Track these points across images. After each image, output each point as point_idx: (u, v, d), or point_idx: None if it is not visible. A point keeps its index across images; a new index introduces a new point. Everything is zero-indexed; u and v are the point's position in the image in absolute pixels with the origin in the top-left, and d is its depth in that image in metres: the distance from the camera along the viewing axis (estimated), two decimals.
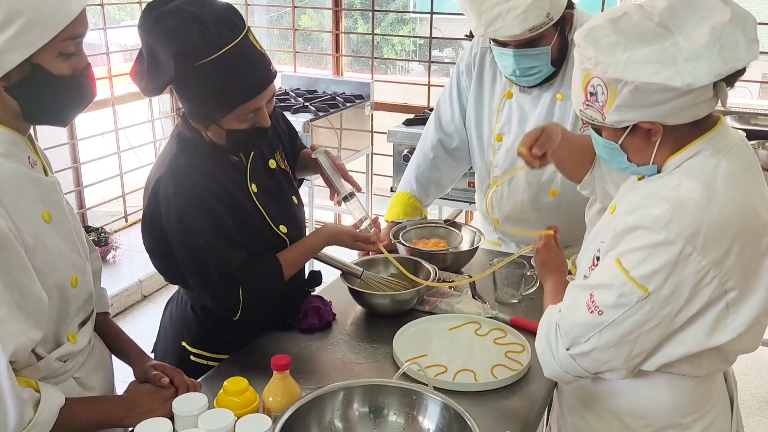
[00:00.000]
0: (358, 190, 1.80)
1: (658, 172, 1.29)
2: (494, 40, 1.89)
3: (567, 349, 1.29)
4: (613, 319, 1.22)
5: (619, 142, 1.25)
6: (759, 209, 1.21)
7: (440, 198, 3.22)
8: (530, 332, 1.70)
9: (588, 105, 1.23)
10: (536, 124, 1.99)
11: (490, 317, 1.79)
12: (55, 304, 1.24)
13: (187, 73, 1.40)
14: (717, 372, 1.38)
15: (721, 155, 1.21)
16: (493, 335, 1.71)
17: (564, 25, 1.87)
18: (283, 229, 1.64)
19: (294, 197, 1.76)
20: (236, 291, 1.52)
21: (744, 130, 3.21)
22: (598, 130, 1.29)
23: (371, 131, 4.47)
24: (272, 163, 1.70)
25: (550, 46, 1.85)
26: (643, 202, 1.25)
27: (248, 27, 1.46)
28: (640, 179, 1.34)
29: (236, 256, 1.53)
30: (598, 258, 1.33)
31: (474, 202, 2.76)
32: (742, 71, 1.16)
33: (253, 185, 1.61)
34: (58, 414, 1.18)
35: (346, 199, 1.77)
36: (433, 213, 4.17)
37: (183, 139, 1.56)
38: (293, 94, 4.30)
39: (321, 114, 3.90)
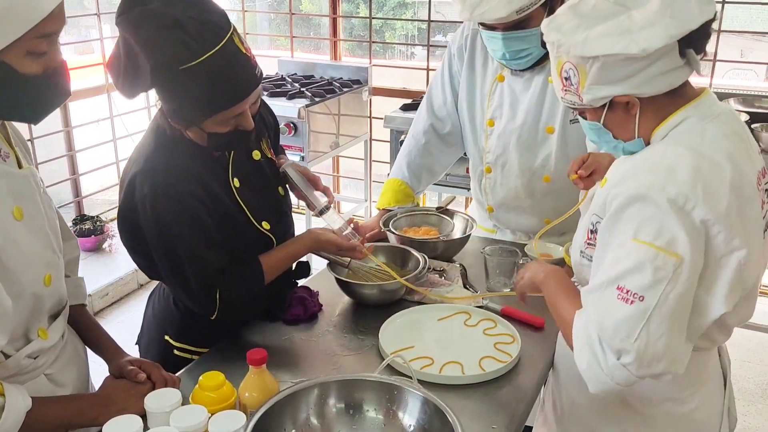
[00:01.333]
0: (331, 201, 1.73)
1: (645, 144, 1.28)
2: (482, 24, 1.83)
3: (618, 359, 1.15)
4: (657, 299, 1.12)
5: (601, 120, 1.27)
6: (747, 172, 1.20)
7: (437, 184, 3.17)
8: (521, 322, 1.67)
9: (566, 90, 1.27)
10: (528, 108, 1.95)
11: (480, 307, 1.74)
12: (27, 305, 1.20)
13: (166, 78, 1.34)
14: (717, 344, 1.38)
15: (707, 121, 1.22)
16: (483, 326, 1.66)
17: (554, 4, 1.80)
18: (266, 225, 1.59)
19: (280, 188, 1.70)
20: (213, 294, 1.48)
21: (747, 112, 3.16)
22: (582, 113, 1.30)
23: (369, 117, 4.40)
24: (256, 155, 1.64)
25: (539, 27, 1.78)
26: (630, 171, 1.23)
27: (233, 28, 1.39)
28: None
29: (215, 260, 1.48)
30: (592, 231, 1.30)
31: (461, 187, 2.71)
32: (706, 34, 1.19)
33: (236, 180, 1.55)
34: (24, 418, 1.13)
35: (322, 212, 1.71)
36: (432, 200, 4.12)
37: (161, 135, 1.50)
38: (290, 80, 4.24)
39: (317, 99, 3.84)
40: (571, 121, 1.92)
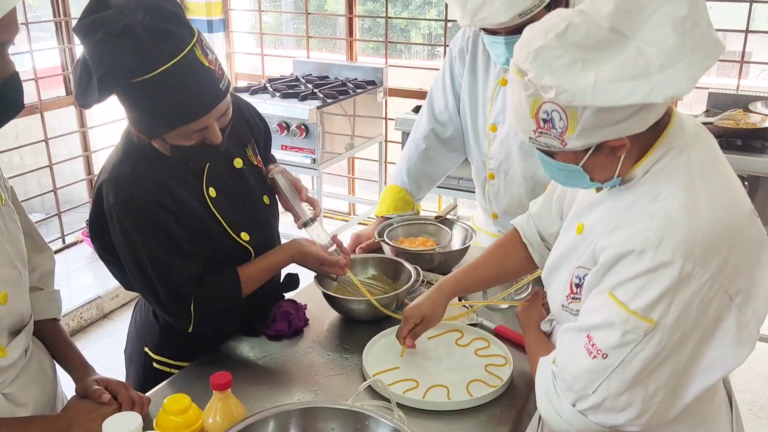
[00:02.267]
0: (317, 214, 1.65)
1: (622, 181, 1.15)
2: (483, 29, 1.74)
3: (573, 405, 1.13)
4: (621, 360, 1.07)
5: (581, 164, 1.11)
6: (741, 198, 1.13)
7: (440, 187, 3.11)
8: (514, 344, 1.58)
9: (542, 132, 1.08)
10: None
11: (474, 324, 1.65)
12: None
13: (118, 90, 1.27)
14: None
15: (688, 148, 1.11)
16: (474, 345, 1.57)
17: (557, 5, 1.70)
18: (244, 236, 1.52)
19: (266, 197, 1.62)
20: (186, 306, 1.42)
21: None
22: (551, 154, 1.14)
23: (385, 118, 4.33)
24: (238, 162, 1.56)
25: None
26: (621, 219, 1.12)
27: (197, 37, 1.30)
28: (598, 190, 1.21)
29: (185, 270, 1.42)
30: (577, 285, 1.21)
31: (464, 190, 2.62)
32: None
33: (211, 190, 1.48)
34: None
35: (306, 224, 1.62)
36: (432, 204, 4.02)
37: (129, 142, 1.43)
38: (303, 81, 4.18)
39: (329, 101, 3.77)
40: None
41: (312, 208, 1.64)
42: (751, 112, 3.08)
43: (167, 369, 1.59)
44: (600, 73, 0.99)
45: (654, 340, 1.05)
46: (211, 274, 1.46)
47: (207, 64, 1.29)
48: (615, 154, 1.10)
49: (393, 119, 4.21)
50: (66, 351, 1.39)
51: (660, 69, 0.99)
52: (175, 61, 1.24)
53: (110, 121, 4.31)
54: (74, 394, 1.32)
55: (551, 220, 1.48)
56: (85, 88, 1.26)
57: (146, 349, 1.61)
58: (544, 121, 1.06)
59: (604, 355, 1.09)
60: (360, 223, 4.49)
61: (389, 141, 4.36)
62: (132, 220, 1.37)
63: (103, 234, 1.44)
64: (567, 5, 1.73)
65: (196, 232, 1.44)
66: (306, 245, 1.58)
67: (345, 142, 4.03)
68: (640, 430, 1.14)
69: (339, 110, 3.87)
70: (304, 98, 3.79)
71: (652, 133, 1.10)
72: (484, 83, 1.96)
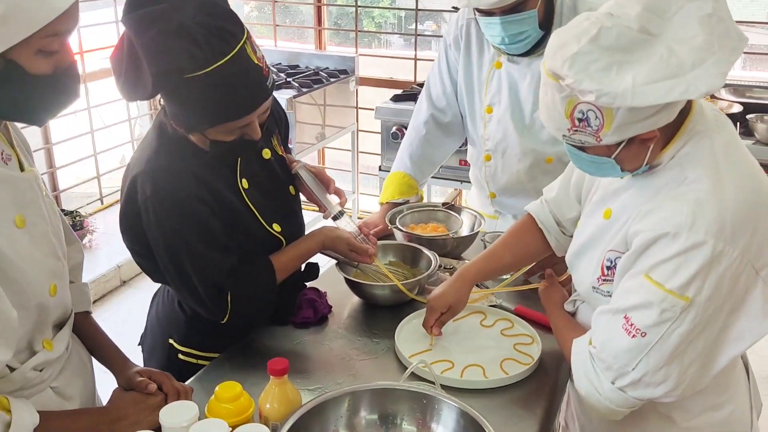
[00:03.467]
0: (344, 203, 1.66)
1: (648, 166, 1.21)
2: (478, 10, 1.79)
3: (613, 383, 1.20)
4: (660, 337, 1.14)
5: (614, 156, 1.16)
6: (762, 178, 1.19)
7: (443, 178, 3.17)
8: (535, 323, 1.62)
9: (577, 130, 1.13)
10: (528, 94, 1.93)
11: (494, 305, 1.70)
12: (32, 316, 1.12)
13: (169, 85, 1.25)
14: None
15: (710, 133, 1.17)
16: (499, 326, 1.61)
17: None
18: (276, 227, 1.52)
19: (291, 187, 1.62)
20: (223, 298, 1.41)
21: (740, 103, 3.15)
22: (582, 149, 1.19)
23: (356, 107, 4.33)
24: (266, 153, 1.56)
25: (536, 8, 1.76)
26: (651, 204, 1.18)
27: (247, 35, 1.29)
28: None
29: (223, 263, 1.41)
30: (608, 268, 1.26)
31: (466, 181, 2.67)
32: None
33: (244, 181, 1.48)
34: None
35: (336, 217, 1.64)
36: (435, 198, 4.06)
37: (164, 134, 1.41)
38: (275, 70, 4.15)
39: (304, 90, 3.76)
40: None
41: (338, 199, 1.65)
42: (717, 98, 3.22)
43: (194, 360, 1.58)
44: (637, 74, 1.04)
45: (690, 316, 1.12)
46: (246, 265, 1.45)
47: (256, 62, 1.29)
48: (645, 145, 1.15)
49: (365, 109, 4.23)
50: (102, 344, 1.36)
51: (692, 66, 1.04)
52: (227, 58, 1.23)
53: (74, 137, 4.19)
54: (116, 387, 1.30)
55: (569, 205, 1.53)
56: (134, 82, 1.24)
57: (171, 341, 1.59)
58: (580, 120, 1.11)
59: (643, 334, 1.15)
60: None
61: (361, 130, 4.36)
62: (170, 214, 1.35)
63: (133, 228, 1.42)
64: None
65: (231, 225, 1.43)
66: (336, 231, 1.59)
67: (316, 132, 4.02)
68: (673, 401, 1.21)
69: (309, 100, 3.86)
70: (278, 87, 3.76)
71: (677, 120, 1.15)
72: (478, 68, 2.02)
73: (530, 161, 1.99)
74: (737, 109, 3.08)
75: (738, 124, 2.97)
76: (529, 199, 2.05)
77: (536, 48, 1.87)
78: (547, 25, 1.83)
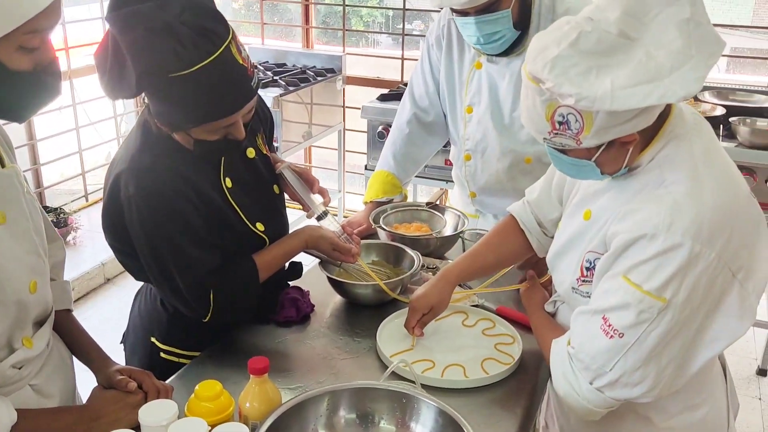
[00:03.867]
0: (327, 203, 1.66)
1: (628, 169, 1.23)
2: (453, 10, 1.81)
3: (591, 383, 1.21)
4: (637, 338, 1.15)
5: (594, 158, 1.17)
6: (739, 180, 1.21)
7: (428, 177, 3.18)
8: (516, 323, 1.63)
9: (557, 133, 1.14)
10: (507, 93, 1.94)
11: (476, 305, 1.71)
12: (11, 314, 1.12)
13: (153, 84, 1.25)
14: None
15: (689, 136, 1.19)
16: (481, 326, 1.62)
17: None
18: (260, 226, 1.52)
19: (275, 186, 1.63)
20: (206, 297, 1.41)
21: (723, 106, 3.18)
22: (563, 151, 1.20)
23: (343, 106, 4.33)
24: (251, 152, 1.56)
25: (509, 8, 1.78)
26: (630, 206, 1.19)
27: (232, 35, 1.28)
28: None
29: (206, 261, 1.41)
30: (587, 269, 1.28)
31: (451, 180, 2.69)
32: None
33: (228, 180, 1.47)
34: None
35: (320, 218, 1.64)
36: (421, 197, 4.07)
37: (148, 132, 1.40)
38: (262, 68, 4.14)
39: (291, 88, 3.75)
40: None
41: (322, 199, 1.66)
42: (701, 101, 3.25)
43: (175, 359, 1.58)
44: (616, 78, 1.05)
45: (667, 317, 1.13)
46: (229, 264, 1.45)
47: (241, 62, 1.29)
48: (625, 148, 1.16)
49: (352, 108, 4.23)
50: (83, 342, 1.36)
51: (670, 71, 1.05)
52: (212, 58, 1.23)
53: (59, 133, 4.16)
54: (95, 385, 1.30)
55: (551, 206, 1.54)
56: (118, 81, 1.24)
57: (153, 339, 1.59)
58: (560, 123, 1.12)
59: (621, 335, 1.16)
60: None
61: (348, 129, 4.37)
62: (153, 212, 1.35)
63: (116, 225, 1.41)
64: None
65: (215, 223, 1.43)
66: (319, 230, 1.59)
67: (302, 131, 4.01)
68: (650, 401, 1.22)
69: (296, 98, 3.85)
70: (265, 86, 3.75)
71: (656, 123, 1.16)
72: (459, 68, 2.03)
73: (509, 161, 2.01)
74: (720, 111, 3.11)
75: (721, 126, 3.00)
76: (509, 198, 2.08)
77: (514, 48, 1.89)
78: (523, 25, 1.85)
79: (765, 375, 3.17)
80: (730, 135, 2.99)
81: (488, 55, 1.93)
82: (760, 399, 3.02)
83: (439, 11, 2.98)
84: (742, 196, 1.20)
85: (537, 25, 1.85)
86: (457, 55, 2.03)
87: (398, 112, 2.21)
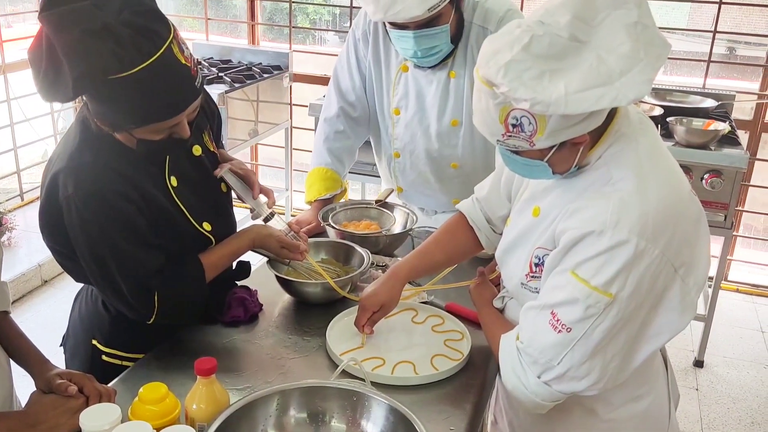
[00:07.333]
0: (272, 204, 1.64)
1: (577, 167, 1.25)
2: (392, 24, 1.80)
3: (539, 377, 1.23)
4: (584, 332, 1.17)
5: (546, 159, 1.19)
6: (682, 178, 1.24)
7: (368, 175, 3.17)
8: (465, 319, 1.65)
9: (511, 136, 1.15)
10: (433, 101, 1.97)
11: (425, 302, 1.71)
12: None
13: (91, 87, 1.20)
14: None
15: (635, 135, 1.21)
16: (430, 322, 1.63)
17: (459, 1, 1.82)
18: (206, 226, 1.48)
19: (223, 184, 1.59)
20: (150, 298, 1.38)
21: (661, 106, 3.28)
22: (517, 152, 1.21)
23: (290, 104, 4.29)
24: (197, 150, 1.52)
25: (448, 23, 1.79)
26: (578, 203, 1.21)
27: (173, 33, 1.24)
28: None
29: (149, 261, 1.37)
30: (536, 264, 1.30)
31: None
32: None
33: (173, 179, 1.44)
34: None
35: (266, 219, 1.62)
36: (369, 195, 4.06)
37: (87, 130, 1.35)
38: (206, 64, 4.06)
39: (237, 85, 3.69)
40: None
41: (267, 199, 1.63)
42: (641, 101, 3.34)
43: (118, 362, 1.53)
44: (569, 82, 1.07)
45: (612, 312, 1.16)
46: (174, 264, 1.42)
47: (183, 61, 1.25)
48: (576, 148, 1.19)
49: (299, 105, 4.19)
50: (21, 345, 1.31)
51: (621, 74, 1.07)
52: (153, 59, 1.19)
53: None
54: (35, 389, 1.25)
55: (499, 204, 1.56)
56: (53, 82, 1.18)
57: (95, 342, 1.54)
58: (514, 126, 1.14)
59: (568, 329, 1.18)
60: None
61: (295, 127, 4.33)
62: (93, 212, 1.30)
63: (54, 225, 1.36)
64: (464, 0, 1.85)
65: (159, 223, 1.39)
66: (267, 229, 1.57)
67: (248, 129, 3.96)
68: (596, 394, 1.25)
69: (242, 95, 3.80)
70: (210, 82, 3.68)
71: (604, 122, 1.19)
72: (386, 68, 2.04)
73: (436, 166, 2.05)
74: (658, 111, 3.21)
75: (659, 126, 3.09)
76: (436, 196, 2.12)
77: (444, 59, 1.90)
78: (457, 39, 1.86)
79: (702, 366, 3.29)
80: (667, 134, 3.09)
81: (420, 67, 1.93)
82: (697, 389, 3.13)
83: None
84: (685, 194, 1.23)
85: (467, 37, 1.87)
86: (384, 55, 2.03)
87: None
